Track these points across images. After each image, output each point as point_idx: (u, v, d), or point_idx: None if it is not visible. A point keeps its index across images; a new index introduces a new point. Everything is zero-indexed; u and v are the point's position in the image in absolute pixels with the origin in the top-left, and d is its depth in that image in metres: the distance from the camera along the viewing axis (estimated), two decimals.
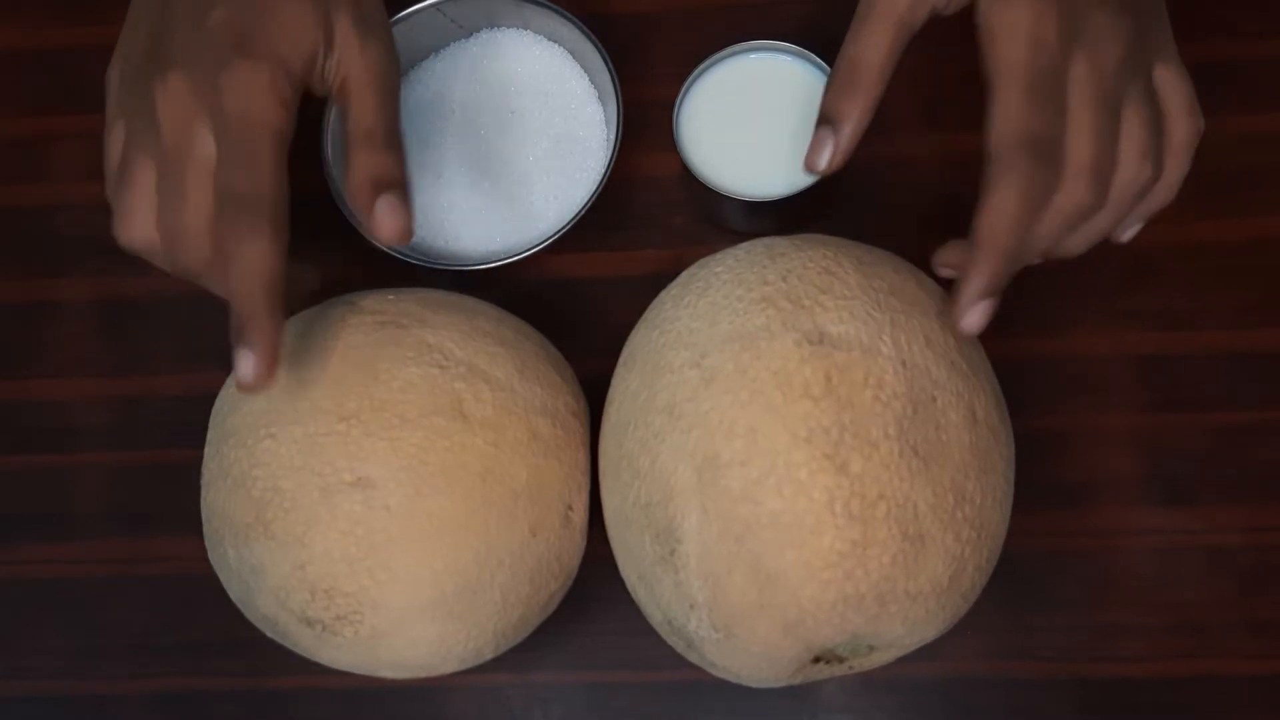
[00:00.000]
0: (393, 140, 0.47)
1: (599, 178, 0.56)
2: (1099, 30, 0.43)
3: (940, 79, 0.59)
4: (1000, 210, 0.42)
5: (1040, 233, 0.43)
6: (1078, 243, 0.46)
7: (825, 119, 0.46)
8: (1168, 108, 0.45)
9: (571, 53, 0.59)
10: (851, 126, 0.45)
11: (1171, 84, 0.45)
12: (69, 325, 0.60)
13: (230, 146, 0.44)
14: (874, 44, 0.44)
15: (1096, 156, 0.43)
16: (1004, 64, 0.42)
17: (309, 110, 0.59)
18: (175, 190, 0.44)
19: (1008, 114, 0.42)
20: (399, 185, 0.46)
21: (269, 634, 0.50)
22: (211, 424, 0.50)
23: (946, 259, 0.47)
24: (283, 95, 0.45)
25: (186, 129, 0.44)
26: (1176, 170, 0.46)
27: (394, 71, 0.48)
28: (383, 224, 0.46)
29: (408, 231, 0.46)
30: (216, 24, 0.45)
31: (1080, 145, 0.42)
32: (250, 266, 0.43)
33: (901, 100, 0.58)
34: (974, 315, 0.44)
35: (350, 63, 0.47)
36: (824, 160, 0.46)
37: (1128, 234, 0.48)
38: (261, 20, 0.45)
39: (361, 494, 0.46)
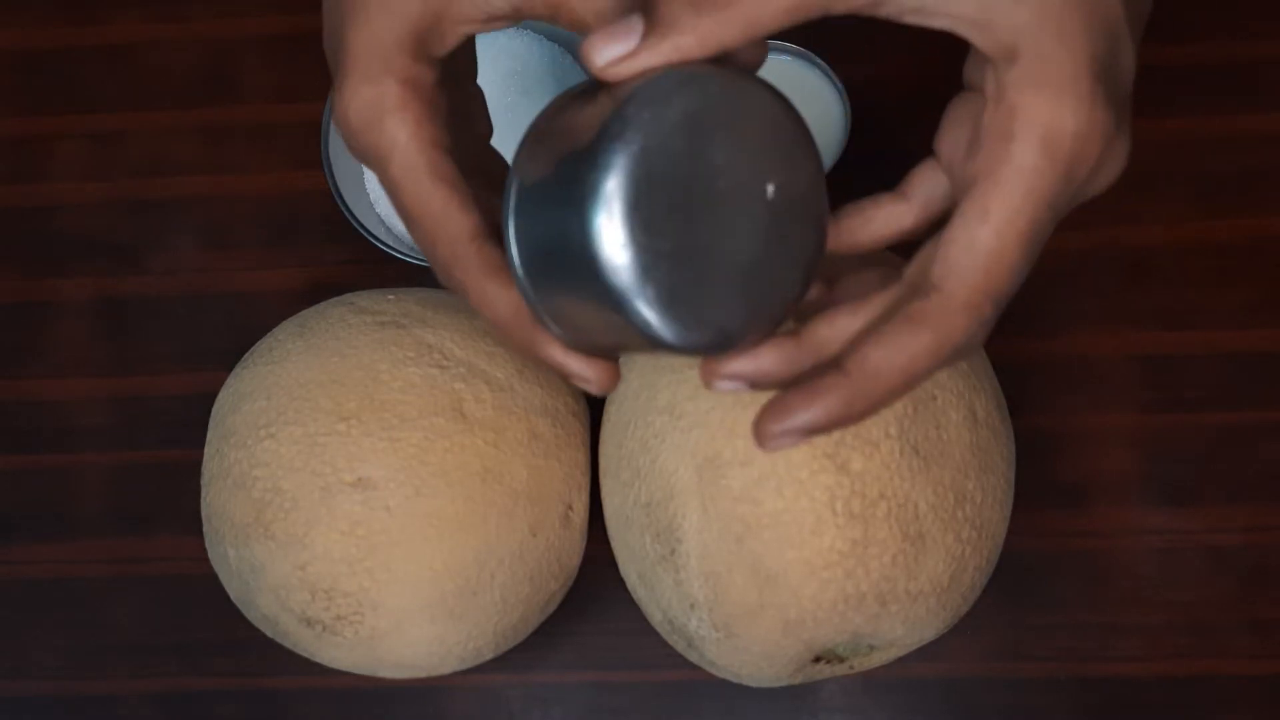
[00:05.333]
0: None
1: None
2: (1105, 179, 0.32)
3: (946, 78, 0.59)
4: (922, 356, 0.31)
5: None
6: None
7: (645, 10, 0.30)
8: None
9: (571, 52, 0.59)
10: (682, 41, 0.29)
11: None
12: (69, 325, 0.60)
13: (384, 180, 0.34)
14: None
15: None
16: (1017, 182, 0.30)
17: (308, 110, 0.59)
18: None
19: (998, 255, 0.30)
20: None
21: (269, 634, 0.50)
22: (211, 424, 0.50)
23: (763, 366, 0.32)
24: (402, 80, 0.32)
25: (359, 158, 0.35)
26: None
27: None
28: None
29: None
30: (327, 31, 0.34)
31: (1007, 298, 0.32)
32: (486, 311, 0.33)
33: (900, 98, 0.58)
34: (786, 439, 0.31)
35: None
36: (606, 54, 0.30)
37: None
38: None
39: (361, 494, 0.46)
